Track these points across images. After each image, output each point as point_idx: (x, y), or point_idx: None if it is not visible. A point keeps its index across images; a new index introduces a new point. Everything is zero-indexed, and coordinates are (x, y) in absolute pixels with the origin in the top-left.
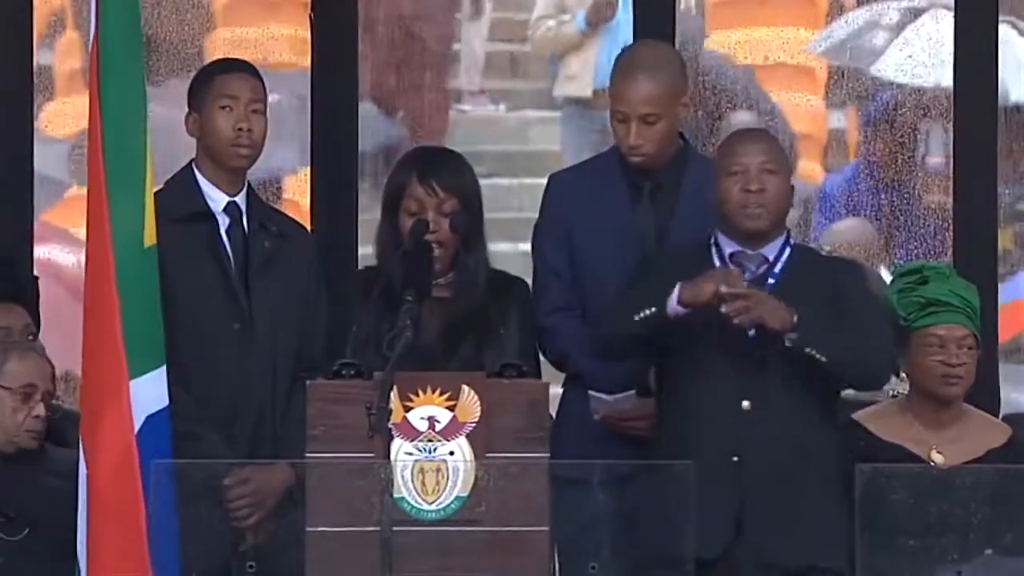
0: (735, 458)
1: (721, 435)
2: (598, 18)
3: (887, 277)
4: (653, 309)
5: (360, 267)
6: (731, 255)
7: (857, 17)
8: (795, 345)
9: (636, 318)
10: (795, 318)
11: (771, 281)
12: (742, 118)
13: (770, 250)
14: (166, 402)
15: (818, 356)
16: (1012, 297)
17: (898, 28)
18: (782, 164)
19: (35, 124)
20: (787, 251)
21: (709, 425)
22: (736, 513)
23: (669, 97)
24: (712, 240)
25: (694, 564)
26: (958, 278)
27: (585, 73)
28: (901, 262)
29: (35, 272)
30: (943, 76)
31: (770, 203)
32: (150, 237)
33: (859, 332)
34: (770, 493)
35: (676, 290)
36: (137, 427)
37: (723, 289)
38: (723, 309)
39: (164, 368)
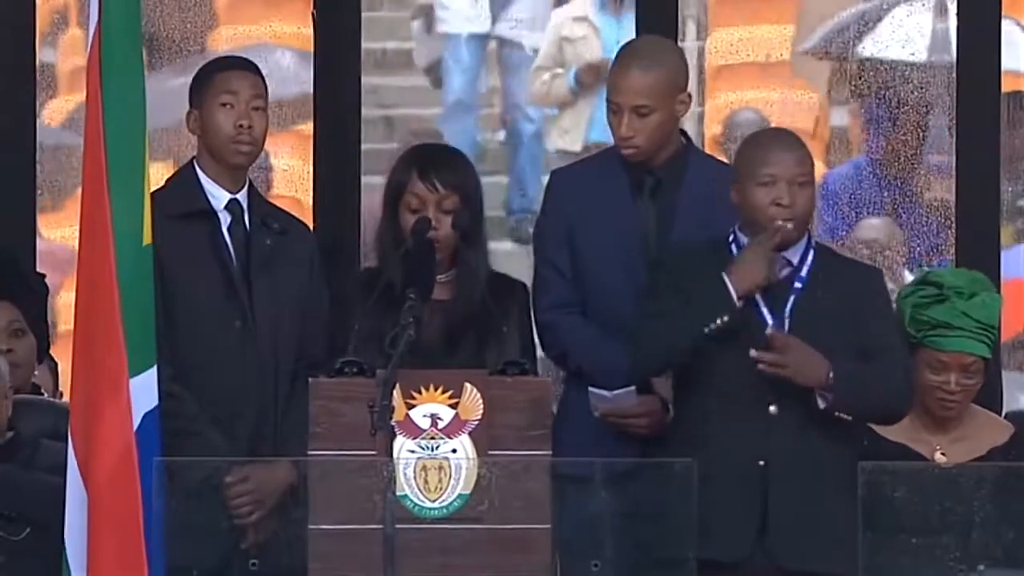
0: (761, 462)
1: (748, 439)
2: (588, 78)
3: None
4: (726, 317)
5: (362, 265)
6: None
7: (859, 14)
8: (827, 409)
9: (707, 331)
10: (830, 375)
11: (797, 285)
12: (747, 117)
13: (793, 252)
14: (157, 401)
15: (844, 416)
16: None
17: (901, 25)
18: (811, 172)
19: (37, 122)
20: (811, 253)
21: (736, 429)
22: (761, 517)
23: (664, 90)
24: (732, 238)
25: (719, 567)
26: (984, 294)
27: (577, 128)
28: (903, 260)
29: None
30: (946, 73)
31: (800, 216)
32: (148, 236)
33: (879, 350)
34: (796, 498)
35: (731, 288)
36: (135, 426)
37: (753, 353)
38: (759, 365)
39: (156, 367)
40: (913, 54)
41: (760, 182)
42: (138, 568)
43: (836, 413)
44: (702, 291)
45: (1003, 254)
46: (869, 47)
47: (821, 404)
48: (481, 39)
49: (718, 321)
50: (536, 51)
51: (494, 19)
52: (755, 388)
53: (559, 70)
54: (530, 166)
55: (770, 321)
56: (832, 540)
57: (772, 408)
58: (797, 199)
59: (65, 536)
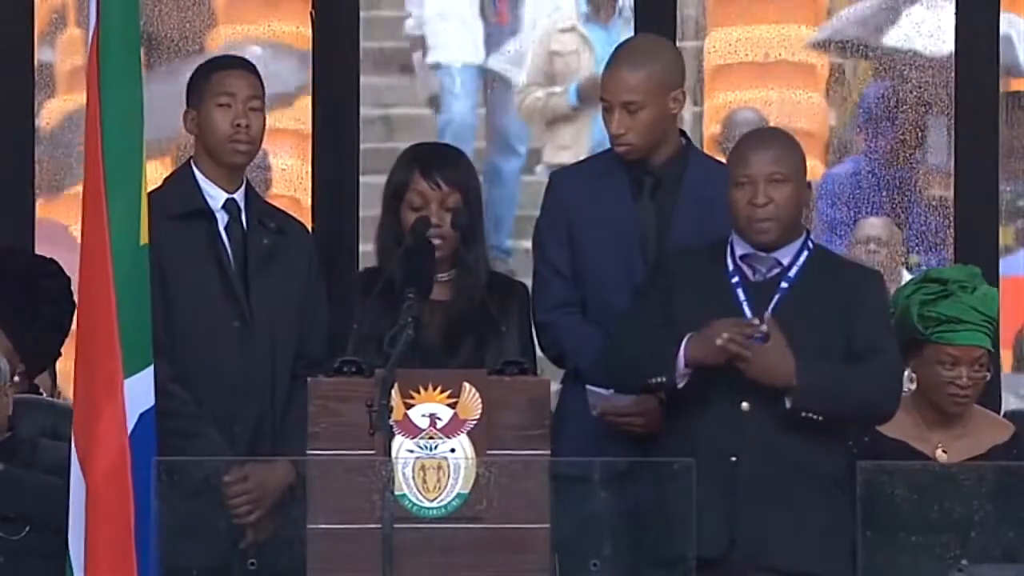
0: (733, 459)
1: (720, 435)
2: (591, 92)
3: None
4: (663, 379)
5: (361, 264)
6: (742, 257)
7: (857, 13)
8: (793, 408)
9: (649, 383)
10: (794, 379)
11: (784, 285)
12: (746, 116)
13: (785, 253)
14: (153, 401)
15: (814, 417)
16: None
17: (899, 24)
18: (792, 170)
19: (36, 122)
20: (804, 254)
21: (708, 425)
22: (735, 514)
23: (653, 87)
24: (730, 241)
25: (695, 563)
26: (982, 287)
27: (578, 143)
28: (902, 259)
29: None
30: (945, 72)
31: (779, 214)
32: (145, 236)
33: (865, 351)
34: (769, 494)
35: (682, 351)
36: (131, 426)
37: (720, 341)
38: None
39: (152, 367)
40: (912, 53)
41: (737, 183)
42: (127, 569)
43: (804, 414)
44: (660, 339)
45: (1005, 259)
46: (868, 46)
47: (787, 404)
48: (476, 70)
49: (656, 380)
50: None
51: (488, 51)
52: (727, 385)
53: (556, 88)
54: (504, 204)
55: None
56: (805, 537)
57: (744, 404)
58: (774, 196)
59: (68, 537)
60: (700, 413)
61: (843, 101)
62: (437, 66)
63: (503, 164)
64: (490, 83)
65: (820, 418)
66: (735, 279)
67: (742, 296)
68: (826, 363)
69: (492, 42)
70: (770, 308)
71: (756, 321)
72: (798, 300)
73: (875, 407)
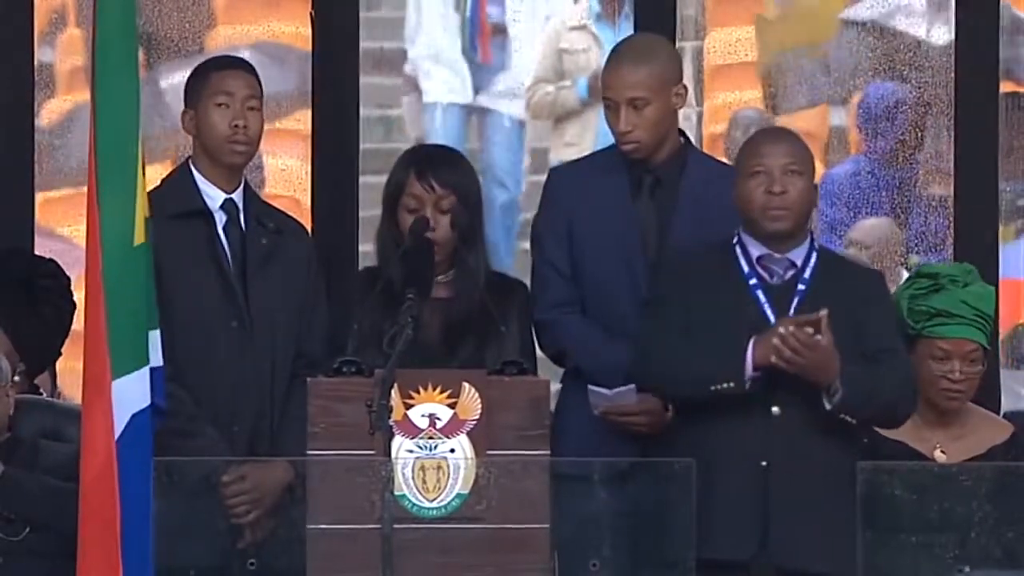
0: (764, 463)
1: (750, 440)
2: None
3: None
4: (730, 384)
5: (361, 264)
6: (758, 258)
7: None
8: (832, 409)
9: (712, 389)
10: (838, 379)
11: (801, 287)
12: (747, 116)
13: (797, 254)
14: (148, 401)
15: (849, 420)
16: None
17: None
18: (806, 164)
19: (36, 122)
20: (814, 256)
21: (738, 430)
22: (763, 518)
23: (656, 83)
24: (736, 241)
25: (722, 567)
26: (977, 284)
27: (585, 139)
28: (902, 259)
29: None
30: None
31: (793, 205)
32: (140, 235)
33: (880, 352)
34: (798, 499)
35: (749, 355)
36: (123, 426)
37: (782, 330)
38: (772, 358)
39: (148, 367)
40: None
41: (751, 172)
42: (114, 570)
43: (841, 415)
44: (716, 338)
45: (1005, 259)
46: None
47: (827, 406)
48: (463, 108)
49: (723, 386)
50: (515, 120)
51: (476, 90)
52: (757, 389)
53: (565, 82)
54: (503, 234)
55: (773, 322)
56: (834, 542)
57: (774, 409)
58: (789, 187)
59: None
60: (730, 417)
61: (843, 101)
62: (427, 106)
63: (492, 198)
64: (479, 120)
65: (854, 421)
66: (752, 281)
67: (763, 299)
68: (860, 366)
69: (480, 80)
70: (791, 311)
71: (824, 313)
72: (816, 302)
73: (898, 408)
